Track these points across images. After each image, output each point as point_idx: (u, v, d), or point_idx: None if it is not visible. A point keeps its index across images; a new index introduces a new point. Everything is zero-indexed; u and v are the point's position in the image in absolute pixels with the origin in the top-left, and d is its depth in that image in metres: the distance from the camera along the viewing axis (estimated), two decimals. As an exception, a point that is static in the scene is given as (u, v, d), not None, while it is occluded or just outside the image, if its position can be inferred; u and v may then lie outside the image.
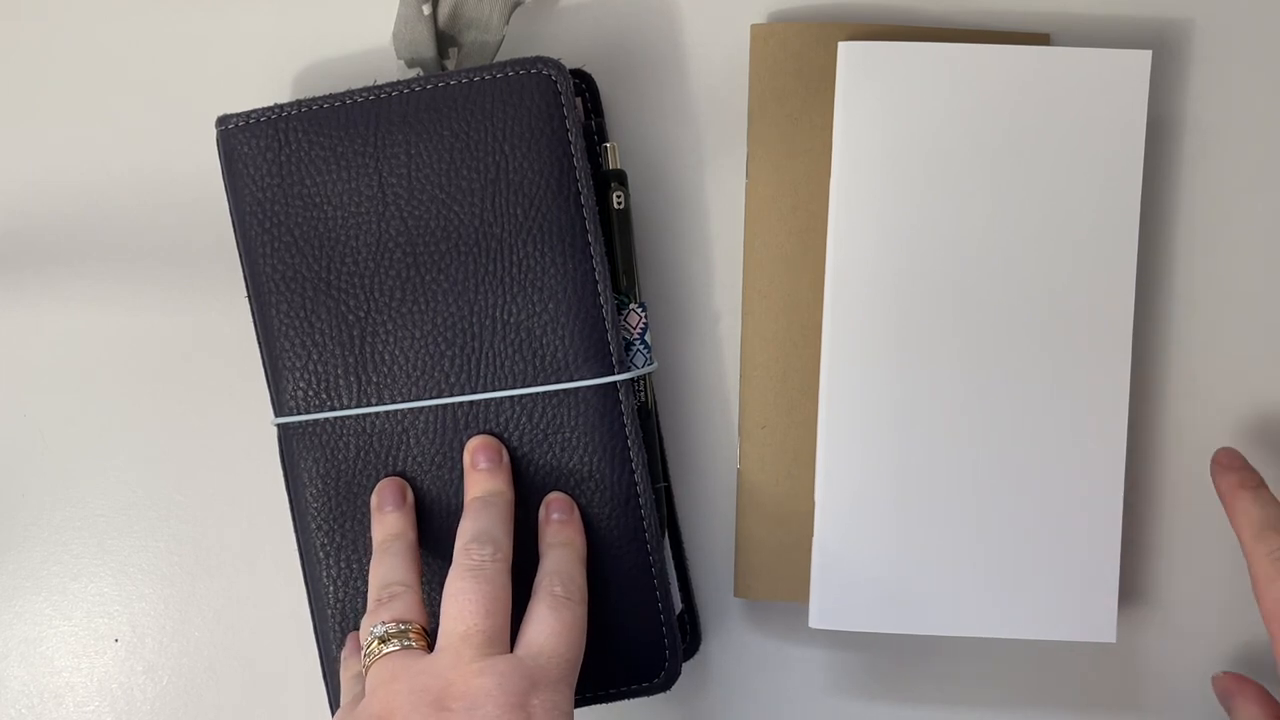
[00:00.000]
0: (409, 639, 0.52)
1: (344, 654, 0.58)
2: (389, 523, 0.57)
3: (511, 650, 0.53)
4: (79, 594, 0.63)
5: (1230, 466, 0.60)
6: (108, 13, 0.63)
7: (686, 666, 0.60)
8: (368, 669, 0.52)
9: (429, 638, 0.53)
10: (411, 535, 0.57)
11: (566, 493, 0.58)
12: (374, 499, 0.58)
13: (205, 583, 0.63)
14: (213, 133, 0.58)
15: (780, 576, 0.61)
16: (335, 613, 0.58)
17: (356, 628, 0.58)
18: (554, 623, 0.53)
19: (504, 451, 0.58)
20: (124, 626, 0.63)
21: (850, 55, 0.58)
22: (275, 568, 0.62)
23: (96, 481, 0.63)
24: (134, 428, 0.63)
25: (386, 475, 0.58)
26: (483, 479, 0.57)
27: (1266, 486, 0.59)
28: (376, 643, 0.53)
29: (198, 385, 0.63)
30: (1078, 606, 0.59)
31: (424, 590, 0.56)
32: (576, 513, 0.58)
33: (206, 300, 0.62)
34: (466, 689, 0.50)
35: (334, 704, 0.59)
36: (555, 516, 0.57)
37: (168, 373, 0.63)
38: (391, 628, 0.53)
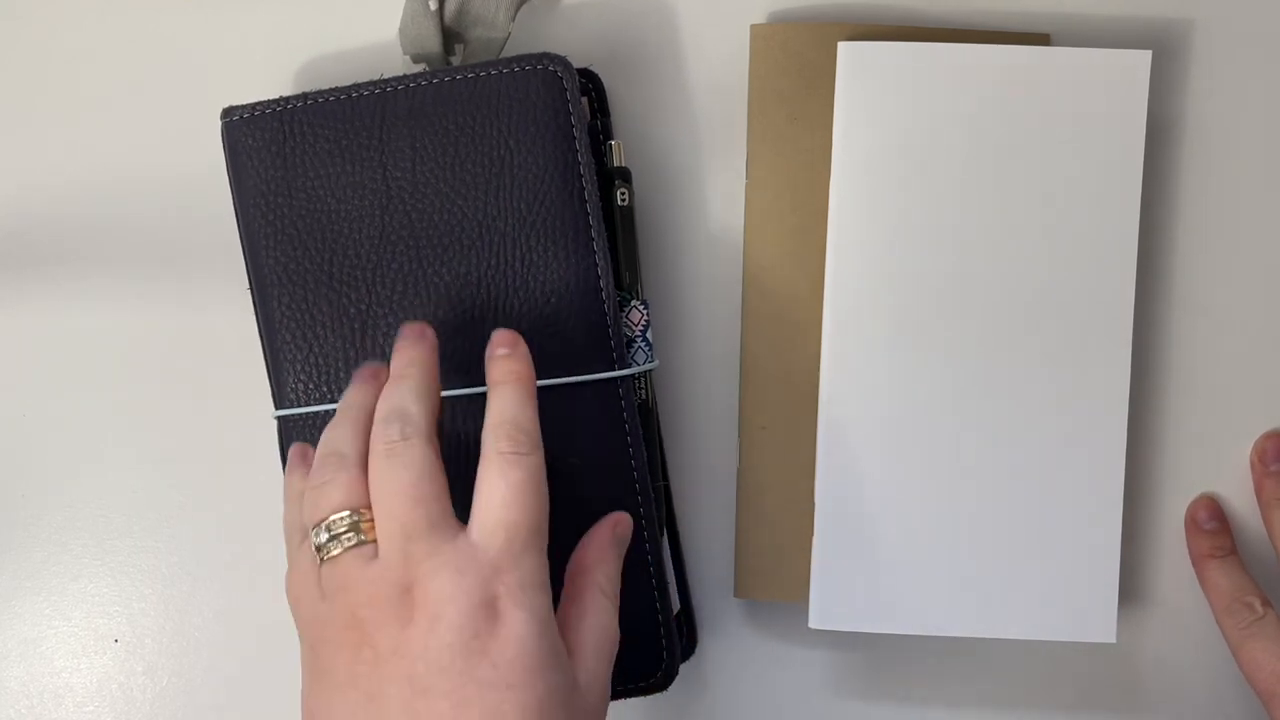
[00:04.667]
0: (356, 533, 0.49)
1: (290, 466, 0.54)
2: (354, 390, 0.53)
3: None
4: (78, 594, 0.63)
5: (1202, 529, 0.61)
6: (110, 7, 0.63)
7: (686, 667, 0.60)
8: (319, 561, 0.50)
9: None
10: (370, 402, 0.52)
11: (567, 490, 0.57)
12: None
13: (205, 583, 0.63)
14: (217, 127, 0.58)
15: (780, 576, 0.61)
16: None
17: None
18: (504, 489, 0.49)
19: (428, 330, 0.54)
20: (123, 627, 0.63)
21: (850, 55, 0.59)
22: (276, 567, 0.62)
23: (96, 481, 0.63)
24: (134, 428, 0.63)
25: None
26: (402, 350, 0.53)
27: (1236, 553, 0.61)
28: (326, 539, 0.49)
29: (198, 384, 0.63)
30: (1078, 606, 0.59)
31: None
32: (522, 345, 0.53)
33: (207, 298, 0.62)
34: (425, 595, 0.47)
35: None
36: (499, 352, 0.53)
37: (168, 371, 0.63)
38: (336, 522, 0.49)
